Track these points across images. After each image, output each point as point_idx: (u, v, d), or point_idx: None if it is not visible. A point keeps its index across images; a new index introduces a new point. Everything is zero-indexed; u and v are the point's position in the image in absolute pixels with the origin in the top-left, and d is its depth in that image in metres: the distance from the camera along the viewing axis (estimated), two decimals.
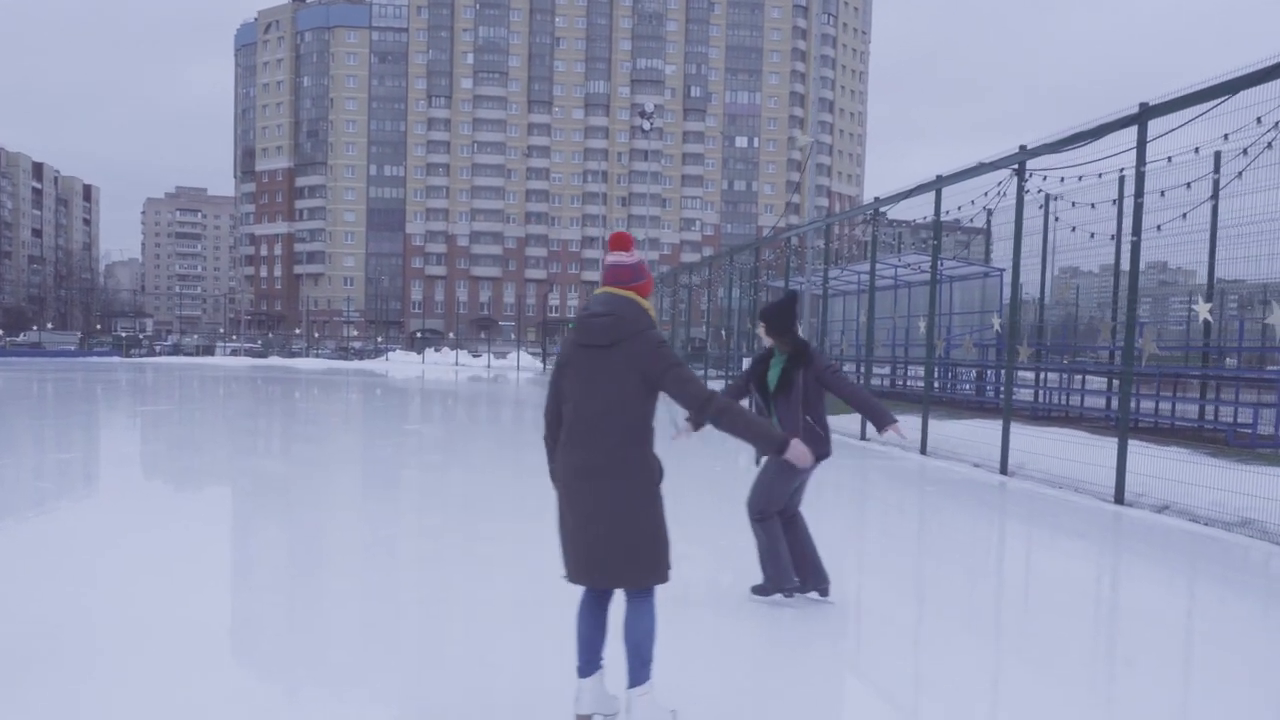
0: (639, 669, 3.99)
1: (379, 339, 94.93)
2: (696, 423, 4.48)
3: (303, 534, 8.66)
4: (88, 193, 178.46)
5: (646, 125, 48.49)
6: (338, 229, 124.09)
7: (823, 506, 11.42)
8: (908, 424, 8.72)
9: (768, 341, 6.17)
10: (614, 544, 3.87)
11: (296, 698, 4.63)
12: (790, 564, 6.15)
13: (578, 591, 4.12)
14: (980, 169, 13.50)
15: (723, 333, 31.83)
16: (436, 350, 71.90)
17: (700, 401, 3.98)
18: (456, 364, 62.97)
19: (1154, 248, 17.13)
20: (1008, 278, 21.82)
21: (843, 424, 19.35)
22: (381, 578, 7.09)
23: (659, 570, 3.98)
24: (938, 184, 14.91)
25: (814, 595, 6.27)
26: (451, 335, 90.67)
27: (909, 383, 26.37)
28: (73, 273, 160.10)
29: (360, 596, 6.55)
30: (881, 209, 17.10)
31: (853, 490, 12.74)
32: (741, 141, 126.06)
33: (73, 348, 72.77)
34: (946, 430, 15.90)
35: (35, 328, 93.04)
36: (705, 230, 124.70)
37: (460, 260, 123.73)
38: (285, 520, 9.33)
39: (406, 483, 12.38)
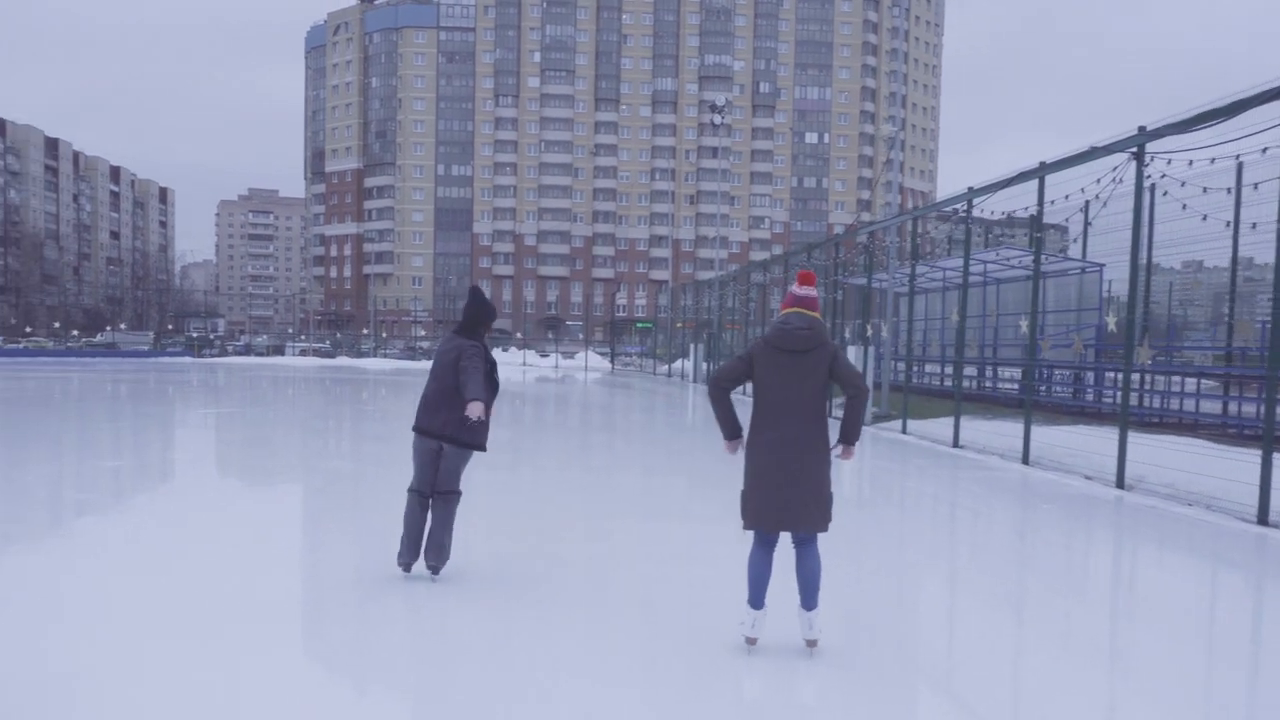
0: (813, 596, 5.25)
1: None
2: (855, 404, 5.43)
3: (368, 536, 7.84)
4: (164, 195, 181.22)
5: (719, 119, 47.34)
6: (406, 229, 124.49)
7: (911, 525, 10.43)
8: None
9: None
10: (811, 497, 5.16)
11: (364, 697, 4.68)
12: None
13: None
14: (1093, 154, 12.33)
15: None
16: (504, 350, 71.54)
17: (857, 387, 5.35)
18: (524, 364, 62.49)
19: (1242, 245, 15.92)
20: (1108, 273, 20.61)
21: (932, 430, 18.25)
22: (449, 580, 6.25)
23: (830, 518, 5.29)
24: (1041, 171, 13.75)
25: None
26: (519, 335, 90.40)
27: (998, 385, 25.03)
28: (149, 274, 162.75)
29: (426, 598, 6.39)
30: (976, 199, 15.92)
31: (952, 505, 11.70)
32: (812, 137, 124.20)
33: (146, 348, 73.71)
34: (1048, 437, 14.73)
35: (109, 328, 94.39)
36: (774, 228, 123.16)
37: (528, 260, 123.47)
38: (348, 523, 8.54)
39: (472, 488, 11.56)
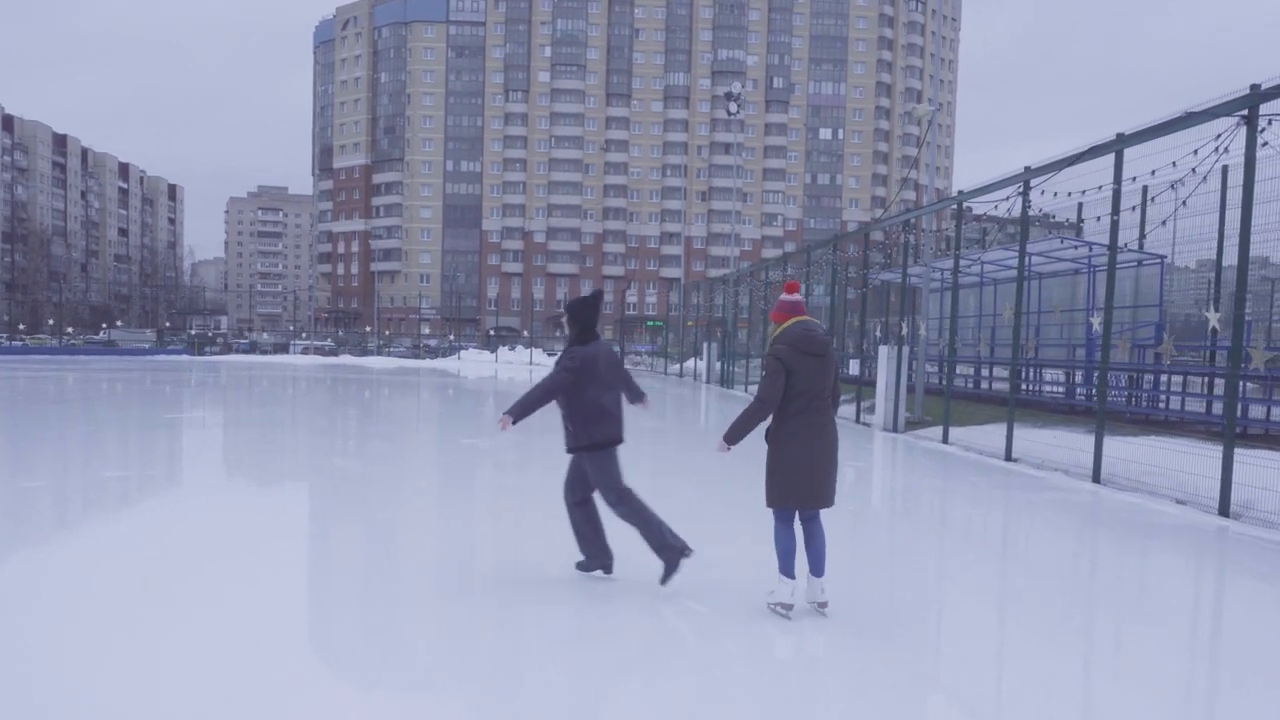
0: (822, 564, 5.95)
1: (450, 336, 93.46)
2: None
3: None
4: (172, 192, 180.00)
5: (734, 108, 45.44)
6: (414, 226, 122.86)
7: (970, 556, 8.29)
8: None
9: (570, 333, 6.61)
10: (834, 476, 5.91)
11: (369, 697, 4.58)
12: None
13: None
14: (1190, 120, 10.45)
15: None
16: (511, 349, 69.83)
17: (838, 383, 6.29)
18: (531, 363, 60.70)
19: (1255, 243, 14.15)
20: (1182, 262, 18.75)
21: (976, 439, 16.39)
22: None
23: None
24: (1118, 144, 11.88)
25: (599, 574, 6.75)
26: (526, 334, 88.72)
27: (1043, 389, 23.08)
28: (157, 271, 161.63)
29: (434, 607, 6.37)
30: (1034, 181, 14.04)
31: (1013, 530, 9.82)
32: (825, 133, 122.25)
33: (147, 346, 72.24)
34: (1115, 450, 12.78)
35: (105, 326, 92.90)
36: (788, 225, 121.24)
37: (537, 257, 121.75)
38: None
39: (478, 491, 9.74)
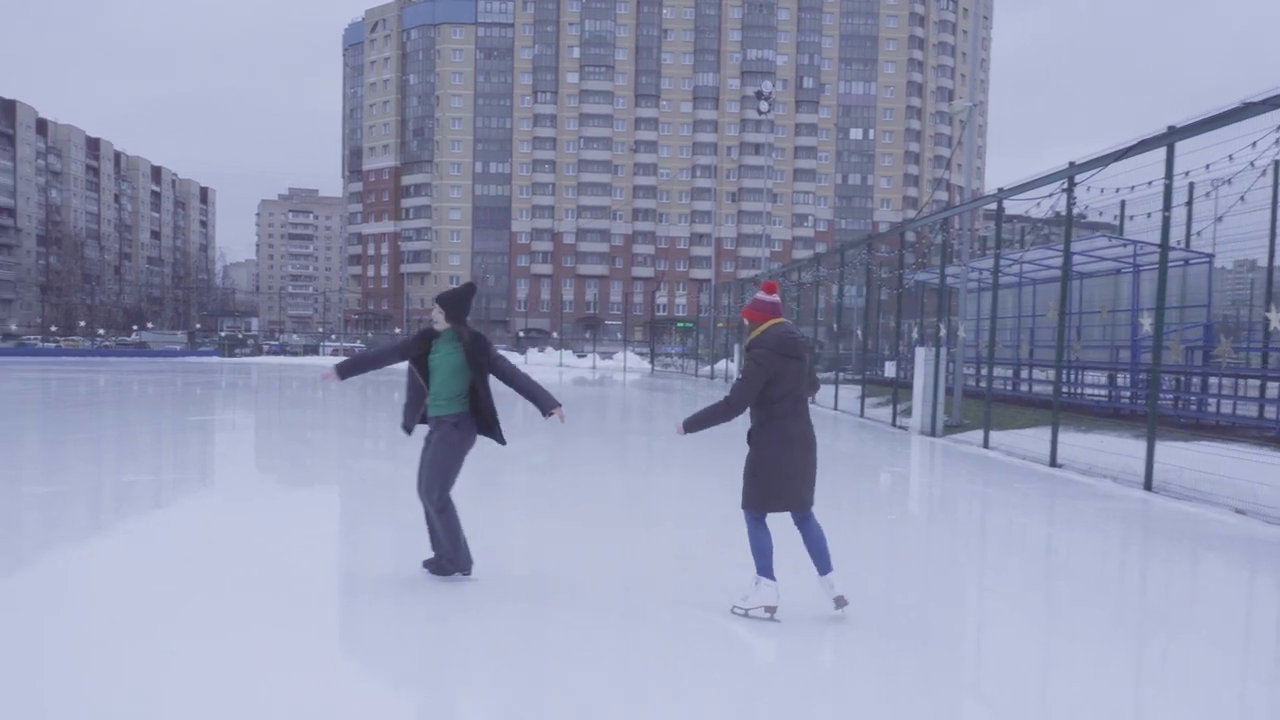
0: (827, 560, 5.89)
1: None
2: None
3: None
4: (204, 195, 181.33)
5: (764, 107, 45.02)
6: (444, 227, 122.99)
7: (1015, 566, 7.46)
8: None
9: (440, 325, 6.46)
10: (814, 478, 5.92)
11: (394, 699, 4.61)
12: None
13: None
14: (1247, 110, 10.00)
15: (858, 333, 28.30)
16: (540, 350, 69.75)
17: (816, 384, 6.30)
18: (560, 364, 60.56)
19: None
20: (1219, 263, 18.24)
21: (1018, 443, 15.94)
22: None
23: None
24: (1170, 137, 11.42)
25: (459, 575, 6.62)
26: (556, 335, 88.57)
27: (1085, 391, 22.52)
28: (190, 273, 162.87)
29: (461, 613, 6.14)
30: (1079, 177, 13.58)
31: (1062, 540, 9.38)
32: (856, 133, 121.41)
33: (179, 348, 72.60)
34: (1165, 456, 12.29)
35: (136, 328, 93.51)
36: (818, 226, 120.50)
37: (566, 258, 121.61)
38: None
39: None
